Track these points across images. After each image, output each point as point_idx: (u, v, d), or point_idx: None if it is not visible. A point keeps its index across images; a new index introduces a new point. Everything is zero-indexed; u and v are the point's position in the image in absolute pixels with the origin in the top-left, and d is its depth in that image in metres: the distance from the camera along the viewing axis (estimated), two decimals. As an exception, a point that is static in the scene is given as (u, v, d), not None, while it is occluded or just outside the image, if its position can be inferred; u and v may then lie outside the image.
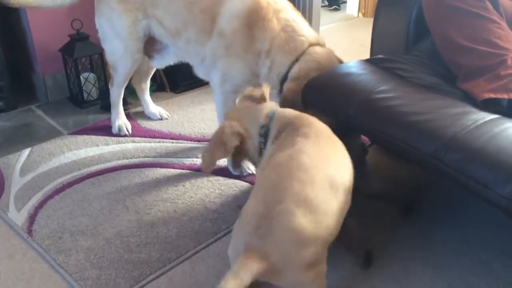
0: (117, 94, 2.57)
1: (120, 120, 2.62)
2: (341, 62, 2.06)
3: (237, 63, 2.09)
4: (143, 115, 2.80)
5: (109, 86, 2.57)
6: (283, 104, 1.97)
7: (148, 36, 2.34)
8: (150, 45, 2.41)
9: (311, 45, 2.02)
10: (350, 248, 1.76)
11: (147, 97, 2.78)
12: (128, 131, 2.60)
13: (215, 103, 2.28)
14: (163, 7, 2.21)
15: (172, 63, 2.52)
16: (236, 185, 2.18)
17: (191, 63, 2.32)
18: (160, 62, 2.53)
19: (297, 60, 2.00)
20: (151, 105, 2.79)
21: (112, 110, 2.62)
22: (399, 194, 2.13)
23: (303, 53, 2.00)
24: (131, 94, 2.93)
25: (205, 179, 2.22)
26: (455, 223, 1.95)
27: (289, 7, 2.10)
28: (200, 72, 2.30)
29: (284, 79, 2.02)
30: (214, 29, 2.10)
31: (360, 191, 2.06)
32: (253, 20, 2.02)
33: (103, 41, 2.43)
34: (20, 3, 2.37)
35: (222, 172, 2.27)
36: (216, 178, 2.23)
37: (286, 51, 2.00)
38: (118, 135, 2.58)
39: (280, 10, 2.04)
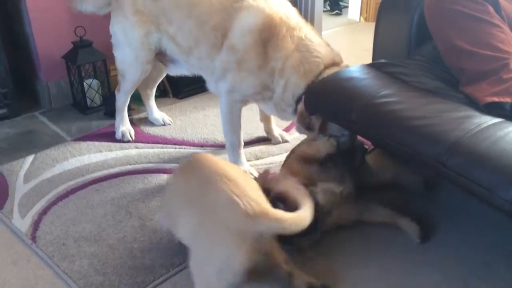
0: (123, 101, 2.58)
1: (124, 126, 2.62)
2: None
3: (249, 78, 2.10)
4: (146, 121, 2.81)
5: (116, 92, 2.58)
6: (300, 119, 2.08)
7: (159, 50, 2.36)
8: (163, 56, 2.43)
9: (326, 67, 2.04)
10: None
11: (152, 103, 2.79)
12: (131, 137, 2.61)
13: (220, 110, 2.29)
14: (177, 26, 2.23)
15: (185, 74, 2.54)
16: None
17: (204, 77, 2.34)
18: (174, 71, 2.55)
19: (312, 82, 2.02)
20: (155, 111, 2.80)
21: (117, 116, 2.63)
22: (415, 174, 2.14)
23: (318, 75, 2.02)
24: (134, 100, 2.94)
25: (208, 185, 2.22)
26: (458, 225, 1.94)
27: (303, 23, 2.11)
28: (211, 86, 2.31)
29: (299, 99, 2.05)
30: (224, 43, 2.12)
31: (373, 185, 2.10)
32: (266, 37, 2.04)
33: (115, 48, 2.45)
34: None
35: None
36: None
37: (301, 73, 2.02)
38: (122, 141, 2.59)
39: (294, 28, 2.05)
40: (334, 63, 2.07)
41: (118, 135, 2.61)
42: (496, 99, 1.71)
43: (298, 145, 2.05)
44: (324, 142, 1.91)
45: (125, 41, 2.36)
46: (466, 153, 1.48)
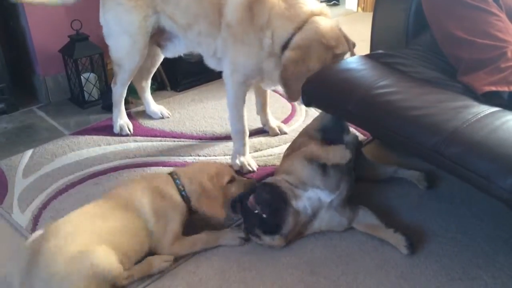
0: (120, 93, 2.56)
1: (122, 119, 2.62)
2: (345, 37, 2.02)
3: (242, 47, 2.06)
4: (144, 114, 2.80)
5: (112, 85, 2.56)
6: (284, 74, 1.97)
7: (157, 29, 2.33)
8: (160, 35, 2.39)
9: (314, 14, 1.98)
10: None
11: (148, 96, 2.78)
12: (129, 130, 2.60)
13: (226, 95, 2.26)
14: (174, 3, 2.20)
15: (182, 54, 2.52)
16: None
17: (202, 54, 2.32)
18: (172, 51, 2.51)
19: (299, 28, 1.96)
20: (152, 104, 2.79)
21: (114, 109, 2.62)
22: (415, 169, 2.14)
23: (305, 21, 1.96)
24: (132, 93, 2.93)
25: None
26: (457, 214, 1.95)
27: None
28: (211, 63, 2.31)
29: (285, 46, 1.98)
30: (222, 21, 2.10)
31: (369, 178, 2.09)
32: (253, 2, 2.00)
33: (107, 37, 2.41)
34: (23, 0, 2.37)
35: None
36: (218, 175, 2.24)
37: (286, 17, 1.96)
38: (120, 134, 2.58)
39: None
40: (322, 13, 2.02)
41: (116, 129, 2.60)
42: (494, 88, 1.71)
43: (305, 140, 2.04)
44: (339, 151, 1.83)
45: (120, 28, 2.31)
46: (464, 142, 1.48)
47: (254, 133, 2.60)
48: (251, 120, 2.72)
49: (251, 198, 1.74)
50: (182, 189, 1.79)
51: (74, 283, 1.45)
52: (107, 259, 1.52)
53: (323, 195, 1.80)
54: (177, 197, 1.77)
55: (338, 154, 1.81)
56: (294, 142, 2.13)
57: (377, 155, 2.34)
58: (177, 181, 1.81)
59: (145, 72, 2.68)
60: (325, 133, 2.05)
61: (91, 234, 1.57)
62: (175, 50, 2.49)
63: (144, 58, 2.43)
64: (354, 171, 1.95)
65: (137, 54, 2.37)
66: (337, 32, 1.98)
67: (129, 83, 2.55)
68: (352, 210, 1.86)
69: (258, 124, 2.66)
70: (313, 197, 1.80)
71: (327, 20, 1.99)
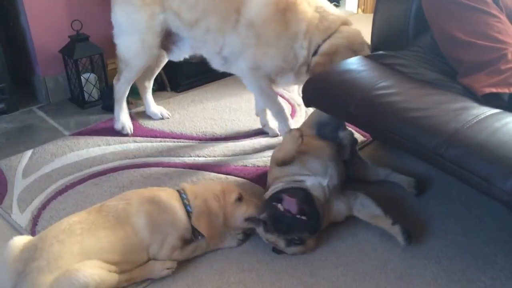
0: (122, 91, 2.55)
1: (124, 117, 2.61)
2: (366, 43, 2.18)
3: (270, 50, 2.14)
4: (145, 115, 2.80)
5: (114, 82, 2.54)
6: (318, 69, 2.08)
7: (165, 31, 2.35)
8: (167, 37, 2.41)
9: (343, 24, 2.14)
10: None
11: (149, 96, 2.78)
12: (130, 130, 2.60)
13: (249, 88, 2.34)
14: None
15: (187, 56, 2.55)
16: (237, 183, 2.18)
17: (205, 54, 2.34)
18: (177, 55, 2.54)
19: (329, 37, 2.10)
20: (153, 105, 2.79)
21: (116, 107, 2.60)
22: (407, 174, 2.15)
23: (335, 31, 2.11)
24: (132, 94, 2.93)
25: (207, 177, 2.22)
26: (456, 216, 1.95)
27: None
28: (215, 63, 2.34)
29: (314, 53, 2.12)
30: (239, 20, 2.14)
31: (362, 179, 2.10)
32: (283, 7, 2.09)
33: (117, 36, 2.42)
34: None
35: (223, 170, 2.28)
36: (218, 176, 2.24)
37: (321, 29, 2.10)
38: (121, 132, 2.58)
39: None
40: (348, 23, 2.17)
41: (118, 126, 2.59)
42: (494, 90, 1.71)
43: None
44: (288, 138, 1.86)
45: (130, 27, 2.33)
46: (464, 144, 1.48)
47: (254, 134, 2.61)
48: (251, 121, 2.72)
49: (292, 207, 1.69)
50: (187, 203, 1.73)
51: None
52: (96, 273, 1.49)
53: (313, 180, 1.82)
54: (180, 212, 1.71)
55: (290, 140, 1.84)
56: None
57: (374, 156, 2.34)
58: (183, 195, 1.76)
59: (149, 73, 2.69)
60: (319, 129, 2.07)
61: (77, 254, 1.53)
62: (180, 53, 2.52)
63: (154, 59, 2.45)
64: (345, 163, 2.01)
65: (145, 54, 2.38)
66: (361, 37, 2.15)
67: (133, 82, 2.54)
68: (348, 196, 1.88)
69: (258, 125, 2.66)
70: (315, 183, 1.81)
71: (352, 28, 2.16)
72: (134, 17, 2.29)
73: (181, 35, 2.36)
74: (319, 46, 2.12)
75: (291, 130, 1.88)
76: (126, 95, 2.59)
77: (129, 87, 2.56)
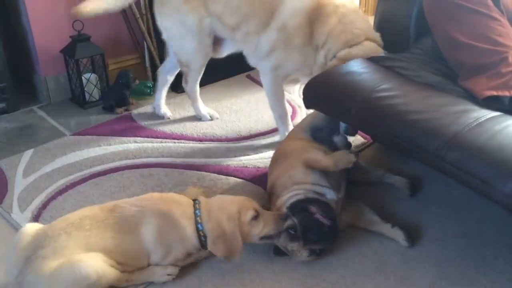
0: (194, 91, 2.67)
1: (204, 109, 2.75)
2: None
3: (295, 55, 2.21)
4: (145, 116, 2.80)
5: (183, 85, 2.65)
6: None
7: (212, 34, 2.42)
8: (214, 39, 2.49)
9: (368, 39, 2.10)
10: None
11: (164, 91, 2.80)
12: (217, 115, 2.76)
13: (264, 86, 2.42)
14: (223, 3, 2.28)
15: (229, 53, 2.61)
16: (238, 184, 2.19)
17: (245, 52, 2.41)
18: (221, 53, 2.61)
19: (348, 47, 2.09)
20: (163, 101, 2.81)
21: (194, 104, 2.73)
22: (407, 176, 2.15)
23: (357, 44, 2.09)
24: (133, 94, 2.94)
25: (207, 178, 2.22)
26: (457, 218, 1.95)
27: (350, 1, 2.19)
28: (252, 60, 2.41)
29: (331, 58, 2.13)
30: (272, 23, 2.20)
31: (356, 181, 2.09)
32: (313, 17, 2.13)
33: (171, 42, 2.51)
34: (90, 11, 2.36)
35: (224, 171, 2.28)
36: (219, 177, 2.24)
37: (342, 41, 2.09)
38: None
39: (339, 6, 2.13)
40: (375, 40, 2.14)
41: (207, 117, 2.74)
42: (495, 93, 1.71)
43: (292, 142, 2.05)
44: (345, 156, 1.82)
45: (184, 31, 2.40)
46: (465, 147, 1.48)
47: (255, 135, 2.61)
48: (252, 122, 2.73)
49: (326, 220, 1.69)
50: (199, 221, 1.67)
51: None
52: (98, 265, 1.51)
53: (331, 194, 1.81)
54: (190, 232, 1.66)
55: (346, 160, 1.81)
56: (281, 145, 2.14)
57: (374, 158, 2.34)
58: (197, 211, 1.69)
59: (172, 68, 2.72)
60: (314, 133, 2.07)
61: (82, 248, 1.55)
62: (223, 52, 2.60)
63: (209, 57, 2.52)
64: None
65: (202, 53, 2.47)
66: (380, 54, 2.10)
67: (199, 78, 2.62)
68: (350, 206, 1.88)
69: (258, 126, 2.66)
70: (333, 197, 1.81)
71: (373, 44, 2.11)
72: (186, 21, 2.36)
73: (224, 37, 2.44)
74: (337, 52, 2.12)
75: (350, 152, 1.84)
76: (198, 92, 2.69)
77: (197, 84, 2.65)
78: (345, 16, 2.12)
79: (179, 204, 1.71)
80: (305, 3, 2.14)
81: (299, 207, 1.73)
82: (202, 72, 2.60)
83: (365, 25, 2.14)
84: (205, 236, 1.67)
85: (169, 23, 2.43)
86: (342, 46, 2.09)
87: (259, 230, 1.68)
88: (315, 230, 1.68)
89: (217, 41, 2.50)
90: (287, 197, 1.79)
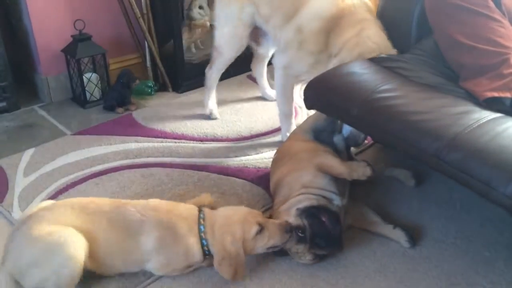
0: (214, 78, 2.72)
1: (211, 103, 2.78)
2: None
3: (306, 58, 2.23)
4: (146, 115, 2.81)
5: (206, 70, 2.70)
6: None
7: (254, 25, 2.46)
8: (255, 30, 2.53)
9: (382, 52, 2.06)
10: None
11: (264, 81, 2.96)
12: (217, 114, 2.78)
13: (275, 82, 2.46)
14: None
15: (272, 48, 2.67)
16: (238, 184, 2.19)
17: (275, 47, 2.45)
18: (266, 48, 2.70)
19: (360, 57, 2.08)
20: (268, 88, 2.96)
21: (206, 93, 2.77)
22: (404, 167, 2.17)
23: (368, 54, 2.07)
24: (133, 94, 2.94)
25: (207, 179, 2.23)
26: (457, 220, 1.95)
27: (369, 15, 2.16)
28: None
29: None
30: (292, 21, 2.22)
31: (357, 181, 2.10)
32: (332, 27, 2.12)
33: (216, 28, 2.58)
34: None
35: (224, 171, 2.28)
36: (219, 177, 2.24)
37: (355, 53, 2.06)
38: (209, 118, 2.73)
39: (359, 20, 2.11)
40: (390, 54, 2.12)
41: (206, 112, 2.77)
42: (496, 94, 1.71)
43: (293, 143, 2.05)
44: (362, 168, 1.79)
45: (225, 19, 2.49)
46: (465, 148, 1.48)
47: (255, 135, 2.61)
48: (252, 122, 2.73)
49: (336, 228, 1.70)
50: (203, 236, 1.65)
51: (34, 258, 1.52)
52: (78, 249, 1.53)
53: (338, 200, 1.81)
54: (194, 249, 1.65)
55: (361, 171, 1.78)
56: (284, 145, 2.14)
57: (374, 159, 2.34)
58: (202, 227, 1.67)
59: (260, 59, 2.86)
60: (316, 135, 2.07)
61: (75, 227, 1.58)
62: (268, 46, 2.67)
63: (243, 49, 2.58)
64: None
65: (236, 44, 2.53)
66: None
67: (223, 70, 2.69)
68: (353, 207, 1.89)
69: (258, 126, 2.66)
70: (340, 204, 1.81)
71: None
72: (228, 9, 2.45)
73: (263, 29, 2.47)
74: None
75: (367, 165, 1.81)
76: (217, 82, 2.75)
77: (219, 75, 2.72)
78: (363, 30, 2.09)
79: (185, 220, 1.68)
80: (326, 11, 2.12)
81: (311, 212, 1.72)
82: (229, 63, 2.65)
83: (381, 40, 2.10)
84: (208, 251, 1.66)
85: (218, 10, 2.52)
86: (355, 59, 2.06)
87: (264, 242, 1.66)
88: (324, 235, 1.69)
89: (261, 34, 2.57)
90: (296, 200, 1.77)
